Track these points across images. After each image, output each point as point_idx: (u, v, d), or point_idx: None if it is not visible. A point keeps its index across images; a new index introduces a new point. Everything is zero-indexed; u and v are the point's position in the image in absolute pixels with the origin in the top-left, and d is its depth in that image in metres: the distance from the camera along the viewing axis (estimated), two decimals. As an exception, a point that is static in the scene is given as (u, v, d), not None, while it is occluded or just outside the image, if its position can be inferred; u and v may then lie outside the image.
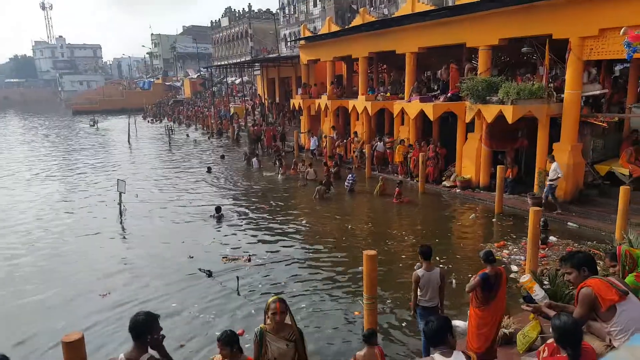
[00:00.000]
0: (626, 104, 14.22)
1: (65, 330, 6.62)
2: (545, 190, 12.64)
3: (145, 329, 3.40)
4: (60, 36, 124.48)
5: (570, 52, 12.40)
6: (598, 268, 4.25)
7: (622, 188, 9.90)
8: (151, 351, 3.46)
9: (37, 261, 10.85)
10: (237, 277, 9.10)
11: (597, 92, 13.42)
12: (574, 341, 3.14)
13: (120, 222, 13.68)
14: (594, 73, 13.61)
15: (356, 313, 7.90)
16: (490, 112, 13.46)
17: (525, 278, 4.24)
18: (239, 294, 8.76)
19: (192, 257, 10.59)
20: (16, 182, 20.33)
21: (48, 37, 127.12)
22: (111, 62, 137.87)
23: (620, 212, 9.78)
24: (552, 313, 3.85)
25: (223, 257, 10.53)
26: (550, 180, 12.38)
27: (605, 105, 14.07)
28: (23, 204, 16.26)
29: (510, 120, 12.85)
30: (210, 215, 13.75)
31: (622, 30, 6.68)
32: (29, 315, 8.30)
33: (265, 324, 4.09)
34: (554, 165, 12.37)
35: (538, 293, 4.13)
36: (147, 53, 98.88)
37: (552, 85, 13.84)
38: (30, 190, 18.61)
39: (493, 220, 12.92)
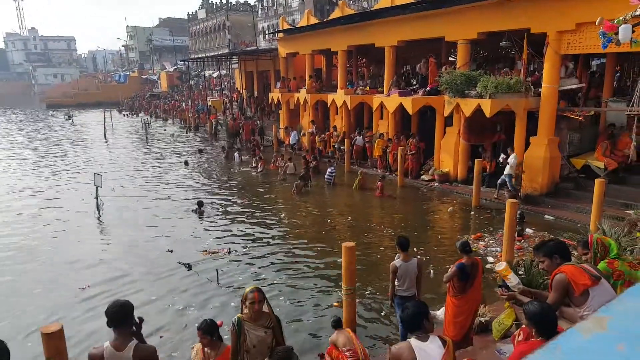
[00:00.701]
0: (602, 98, 14.46)
1: (44, 322, 6.66)
2: (504, 179, 13.11)
3: (126, 316, 3.43)
4: (33, 28, 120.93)
5: (548, 47, 12.52)
6: (572, 257, 4.28)
7: (597, 181, 10.04)
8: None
9: (14, 255, 10.61)
10: (217, 270, 9.09)
11: (574, 86, 13.58)
12: (551, 326, 3.15)
13: (98, 217, 13.39)
14: (571, 67, 13.78)
15: (335, 305, 7.83)
16: (468, 105, 13.52)
17: (501, 266, 4.24)
18: (218, 284, 8.71)
19: (172, 251, 10.44)
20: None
21: (20, 28, 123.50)
22: (86, 55, 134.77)
23: (595, 204, 9.91)
24: (526, 300, 3.87)
25: (203, 251, 10.43)
26: (510, 168, 12.97)
27: (582, 99, 14.27)
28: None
29: (488, 114, 12.93)
30: (192, 210, 13.53)
31: (597, 20, 6.72)
32: (6, 307, 8.14)
33: (242, 313, 4.08)
34: (512, 156, 12.94)
35: (512, 281, 4.14)
36: (122, 45, 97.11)
37: (529, 79, 13.97)
38: (4, 184, 18.09)
39: (471, 213, 13.00)
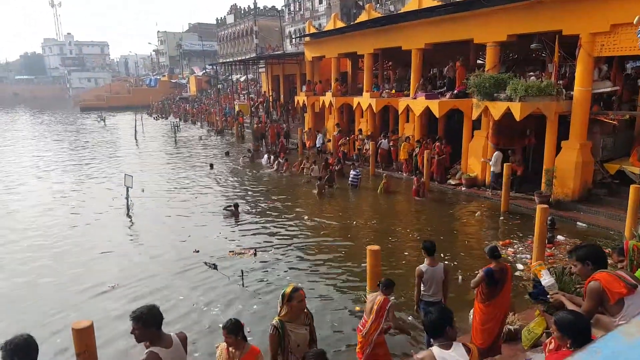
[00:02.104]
0: (638, 102, 13.95)
1: (74, 319, 6.76)
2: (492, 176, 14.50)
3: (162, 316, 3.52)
4: (69, 33, 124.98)
5: (580, 49, 12.18)
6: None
7: (632, 187, 9.70)
8: None
9: (47, 254, 10.88)
10: (242, 271, 9.13)
11: (608, 90, 13.16)
12: (586, 336, 3.02)
13: (128, 216, 13.72)
14: (605, 70, 13.37)
15: (357, 308, 7.76)
16: (497, 109, 13.27)
17: (537, 263, 4.15)
18: (243, 285, 8.76)
19: (198, 251, 10.59)
20: (25, 176, 20.46)
21: (57, 34, 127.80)
22: (118, 60, 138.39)
23: (630, 211, 9.58)
24: (569, 303, 3.75)
25: (229, 252, 10.54)
26: (493, 166, 14.25)
27: (616, 103, 13.82)
28: (32, 197, 16.41)
29: (518, 118, 12.66)
30: (228, 209, 13.57)
31: (635, 20, 6.49)
32: (39, 304, 8.37)
33: (279, 315, 4.06)
34: (494, 155, 14.17)
35: (545, 278, 4.02)
36: (153, 50, 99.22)
37: (561, 82, 13.61)
38: (40, 184, 18.77)
39: (500, 218, 12.71)
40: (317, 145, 23.34)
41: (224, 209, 13.66)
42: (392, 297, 8.01)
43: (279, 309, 4.10)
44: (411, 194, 15.01)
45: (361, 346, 5.24)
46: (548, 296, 4.48)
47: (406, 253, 10.34)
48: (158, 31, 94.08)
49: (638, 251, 4.52)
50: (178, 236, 11.91)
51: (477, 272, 6.14)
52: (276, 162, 20.22)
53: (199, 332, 7.26)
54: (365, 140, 19.90)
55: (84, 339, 4.33)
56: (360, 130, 21.27)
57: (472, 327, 5.62)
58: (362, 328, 5.23)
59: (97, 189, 17.61)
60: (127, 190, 14.09)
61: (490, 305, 5.36)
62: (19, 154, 27.27)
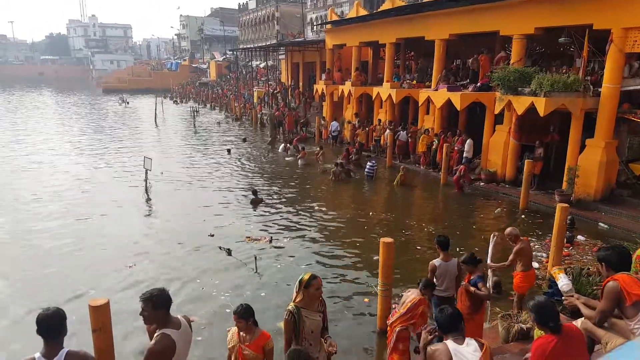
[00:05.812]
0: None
1: (92, 296, 7.01)
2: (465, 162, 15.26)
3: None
4: (93, 15, 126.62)
5: (611, 44, 11.78)
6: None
7: (657, 188, 9.40)
8: None
9: (66, 233, 11.01)
10: (255, 257, 9.18)
11: (639, 87, 12.74)
12: (552, 315, 3.28)
13: (146, 199, 13.85)
14: (636, 67, 12.92)
15: (365, 300, 7.72)
16: (521, 103, 12.96)
17: (557, 267, 4.12)
18: (257, 272, 8.77)
19: (213, 235, 10.67)
20: (48, 157, 20.70)
21: (81, 15, 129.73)
22: (141, 43, 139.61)
23: (654, 213, 9.29)
24: (583, 307, 3.85)
25: (246, 237, 10.57)
26: (466, 152, 15.36)
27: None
28: (53, 178, 16.59)
29: (542, 113, 12.34)
30: (253, 198, 13.44)
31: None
32: (58, 281, 8.53)
33: (294, 301, 4.06)
34: (467, 142, 15.34)
35: (563, 281, 3.98)
36: (175, 34, 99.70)
37: (589, 78, 13.22)
38: (62, 164, 19.02)
39: (521, 216, 12.45)
40: (333, 133, 23.20)
41: (251, 202, 13.42)
42: (404, 290, 7.96)
43: (294, 294, 4.10)
44: (444, 185, 14.91)
45: (388, 334, 5.37)
46: (562, 298, 4.48)
47: (419, 247, 10.24)
48: (180, 15, 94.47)
49: None
50: (194, 219, 12.00)
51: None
52: (290, 149, 20.16)
53: (211, 315, 7.30)
54: (388, 130, 19.60)
55: (100, 316, 4.42)
56: (379, 120, 21.06)
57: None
58: (390, 317, 5.34)
59: (116, 171, 17.80)
60: (146, 173, 14.24)
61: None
62: (41, 135, 27.64)
